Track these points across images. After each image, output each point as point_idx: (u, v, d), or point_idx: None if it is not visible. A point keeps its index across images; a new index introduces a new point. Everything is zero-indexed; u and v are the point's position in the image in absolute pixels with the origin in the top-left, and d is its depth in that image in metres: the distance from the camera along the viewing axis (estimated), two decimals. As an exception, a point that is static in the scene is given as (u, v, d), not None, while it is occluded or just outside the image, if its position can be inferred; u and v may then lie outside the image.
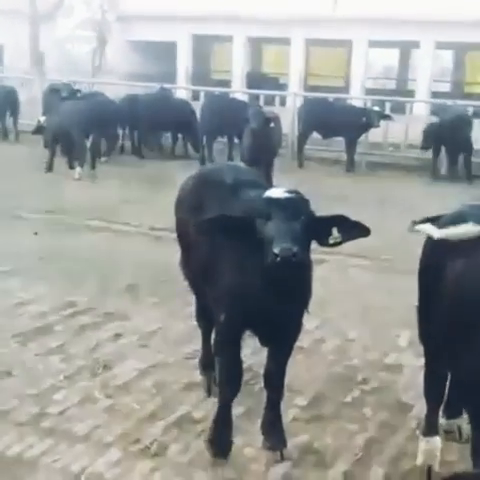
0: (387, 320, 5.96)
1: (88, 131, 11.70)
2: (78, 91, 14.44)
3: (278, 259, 3.26)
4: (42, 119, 12.59)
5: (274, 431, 4.02)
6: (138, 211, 9.76)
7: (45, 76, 21.41)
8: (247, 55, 30.01)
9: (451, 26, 25.87)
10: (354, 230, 3.54)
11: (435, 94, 26.61)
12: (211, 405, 4.47)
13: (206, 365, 4.69)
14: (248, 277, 3.59)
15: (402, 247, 7.28)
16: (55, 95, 13.82)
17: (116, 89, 17.51)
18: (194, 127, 13.86)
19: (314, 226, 3.48)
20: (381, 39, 27.68)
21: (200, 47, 31.02)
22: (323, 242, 3.56)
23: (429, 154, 13.41)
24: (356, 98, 19.55)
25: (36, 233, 8.33)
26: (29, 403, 4.48)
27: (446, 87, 32.69)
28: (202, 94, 15.82)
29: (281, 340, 3.90)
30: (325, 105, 14.41)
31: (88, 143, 11.72)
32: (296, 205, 3.46)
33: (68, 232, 8.54)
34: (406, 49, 32.55)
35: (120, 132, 14.37)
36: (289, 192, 3.51)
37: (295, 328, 3.88)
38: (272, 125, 10.13)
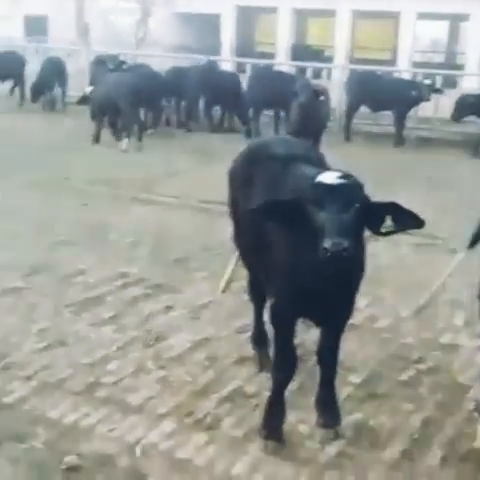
0: (441, 299, 5.85)
1: (135, 103, 11.66)
2: (124, 63, 14.42)
3: (328, 254, 3.14)
4: (88, 90, 12.62)
5: (328, 409, 3.98)
6: (185, 184, 9.75)
7: (91, 47, 21.42)
8: (292, 27, 29.64)
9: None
10: (408, 220, 3.37)
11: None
12: (263, 380, 4.47)
13: (258, 340, 4.67)
14: (300, 263, 3.48)
15: (455, 225, 7.16)
16: (102, 66, 13.83)
17: (160, 61, 17.41)
18: (241, 100, 13.74)
19: (368, 212, 3.31)
20: (430, 11, 27.08)
21: (244, 19, 30.73)
22: (375, 230, 3.40)
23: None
24: (405, 71, 19.18)
25: (86, 204, 8.37)
26: (83, 372, 4.52)
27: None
28: (248, 67, 15.67)
29: (334, 320, 3.84)
30: (374, 78, 14.14)
31: (138, 115, 11.68)
32: (349, 192, 3.26)
33: (116, 204, 8.56)
34: (455, 22, 31.82)
35: (165, 104, 14.31)
36: (342, 177, 3.30)
37: (348, 308, 3.80)
38: (322, 98, 9.98)
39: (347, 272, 3.47)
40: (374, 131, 14.31)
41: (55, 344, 4.86)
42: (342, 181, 3.28)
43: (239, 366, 4.68)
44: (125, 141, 11.70)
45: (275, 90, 13.07)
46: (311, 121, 9.85)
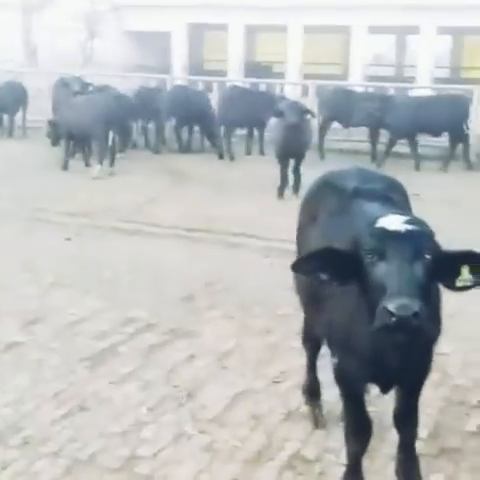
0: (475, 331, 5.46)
1: (108, 127, 11.06)
2: (90, 85, 13.80)
3: (393, 319, 2.56)
4: (51, 119, 12.07)
5: (411, 476, 3.49)
6: (166, 210, 9.24)
7: (39, 68, 20.68)
8: (243, 43, 29.39)
9: (450, 10, 25.46)
10: None
11: (434, 80, 26.16)
12: (321, 439, 3.98)
13: (312, 393, 4.16)
14: (359, 328, 2.94)
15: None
16: (65, 89, 13.17)
17: (110, 80, 16.74)
18: (211, 119, 13.28)
19: (439, 264, 2.76)
20: (379, 24, 27.17)
21: (195, 36, 30.37)
22: (448, 284, 2.85)
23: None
24: (357, 85, 18.94)
25: (69, 239, 7.75)
26: (116, 444, 3.93)
27: (445, 73, 32.28)
28: (215, 85, 15.23)
29: (409, 384, 3.33)
30: (345, 94, 13.83)
31: (109, 139, 11.08)
32: (418, 241, 2.72)
33: (101, 236, 7.96)
34: (402, 35, 32.09)
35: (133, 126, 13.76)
36: (410, 222, 2.77)
37: (424, 368, 3.28)
38: (309, 117, 9.60)
39: (420, 337, 2.84)
40: (346, 147, 14.00)
41: (76, 409, 4.25)
42: (409, 227, 2.75)
43: (289, 424, 4.16)
44: (97, 167, 11.08)
45: (249, 109, 12.69)
46: (298, 142, 9.44)
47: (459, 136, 12.79)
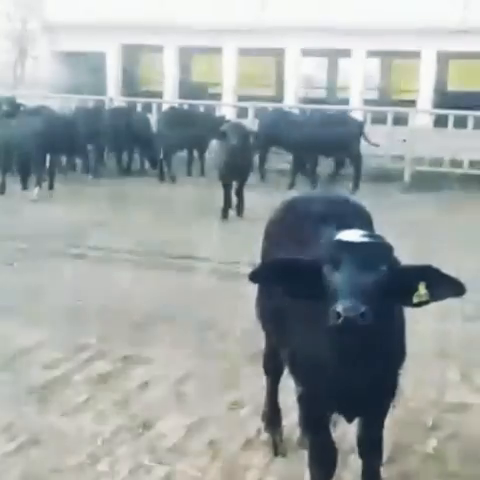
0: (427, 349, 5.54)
1: (45, 149, 10.87)
2: (21, 105, 13.54)
3: (340, 320, 2.62)
4: None
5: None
6: (111, 234, 9.12)
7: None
8: (178, 65, 29.43)
9: (379, 34, 26.11)
10: (445, 287, 2.82)
11: (365, 102, 26.74)
12: (282, 467, 3.94)
13: (272, 420, 4.12)
14: (319, 344, 2.93)
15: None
16: (-1, 110, 12.88)
17: (45, 101, 16.45)
18: (151, 141, 13.21)
19: (396, 279, 2.78)
20: (312, 47, 27.64)
21: (130, 57, 30.26)
22: (405, 300, 2.85)
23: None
24: (294, 107, 19.15)
25: (11, 264, 7.54)
26: (71, 478, 3.80)
27: (374, 95, 33.04)
28: (154, 106, 15.16)
29: (373, 412, 3.33)
30: (285, 116, 13.93)
31: (47, 162, 10.91)
32: (373, 253, 2.78)
33: (44, 261, 7.78)
34: (334, 58, 32.71)
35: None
36: (367, 235, 2.86)
37: (389, 396, 3.28)
38: (252, 140, 9.64)
39: (374, 353, 2.89)
40: (284, 168, 14.08)
41: (28, 443, 4.09)
42: (365, 240, 2.82)
43: (249, 452, 4.09)
44: (36, 190, 10.85)
45: (188, 130, 12.69)
46: (242, 163, 9.48)
47: (351, 156, 12.74)
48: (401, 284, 2.80)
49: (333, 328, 2.66)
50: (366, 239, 2.83)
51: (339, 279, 2.73)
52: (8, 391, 4.68)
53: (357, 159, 12.67)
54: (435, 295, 2.83)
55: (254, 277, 2.98)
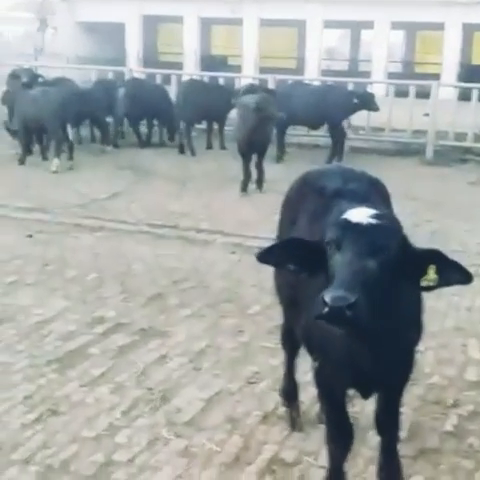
0: (447, 326, 5.48)
1: (64, 120, 10.83)
2: (40, 76, 13.49)
3: (326, 309, 2.51)
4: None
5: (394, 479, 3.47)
6: (130, 206, 9.10)
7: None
8: (198, 36, 29.20)
9: (403, 5, 25.71)
10: (454, 274, 2.73)
11: (388, 75, 26.39)
12: (299, 442, 3.93)
13: (289, 395, 4.09)
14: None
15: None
16: (17, 81, 12.86)
17: (65, 72, 16.39)
18: (170, 113, 13.12)
19: (405, 261, 2.69)
20: (335, 19, 27.27)
21: (149, 28, 30.08)
22: (413, 283, 2.75)
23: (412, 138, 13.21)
24: (315, 79, 18.91)
25: (31, 235, 7.54)
26: (89, 449, 3.81)
27: (397, 67, 32.63)
28: (173, 78, 15.04)
29: (389, 388, 3.30)
30: (305, 89, 13.73)
31: (69, 132, 10.88)
32: (379, 236, 2.64)
33: (64, 233, 7.77)
34: (357, 30, 32.29)
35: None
36: (376, 216, 2.69)
37: (404, 373, 3.24)
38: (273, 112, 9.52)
39: (386, 332, 2.80)
40: (306, 142, 13.98)
41: (47, 414, 4.11)
42: (373, 221, 2.67)
43: (266, 426, 4.09)
44: (55, 161, 10.82)
45: (208, 103, 12.57)
46: (260, 136, 9.38)
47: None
48: (411, 267, 2.71)
49: (318, 316, 2.55)
50: (373, 221, 2.68)
51: (338, 263, 2.64)
52: (27, 362, 4.70)
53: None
54: (443, 280, 2.74)
55: (261, 258, 2.93)
